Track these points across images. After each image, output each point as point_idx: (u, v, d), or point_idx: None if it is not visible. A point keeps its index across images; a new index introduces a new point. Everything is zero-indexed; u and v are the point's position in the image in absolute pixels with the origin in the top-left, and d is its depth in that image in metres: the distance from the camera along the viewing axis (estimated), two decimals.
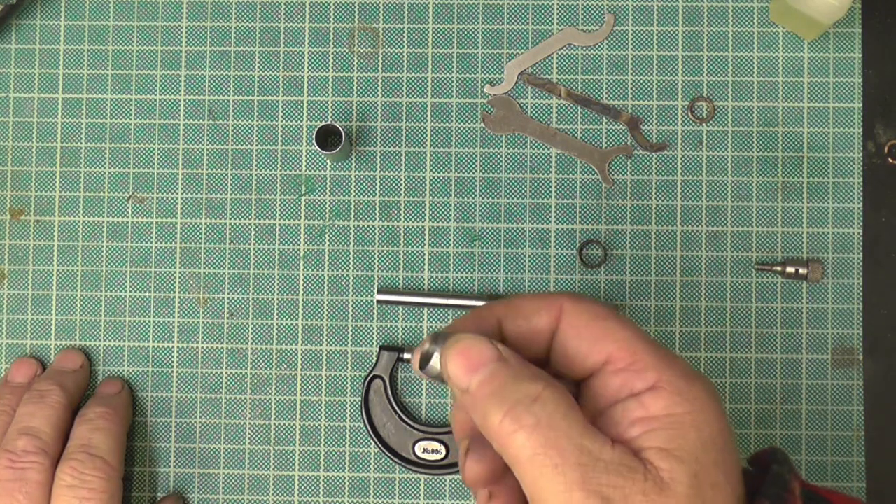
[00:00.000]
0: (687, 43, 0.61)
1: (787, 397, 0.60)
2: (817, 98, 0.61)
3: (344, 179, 0.62)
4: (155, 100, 0.62)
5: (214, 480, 0.61)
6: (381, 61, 0.62)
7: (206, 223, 0.62)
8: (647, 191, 0.61)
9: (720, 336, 0.60)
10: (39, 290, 0.62)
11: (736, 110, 0.61)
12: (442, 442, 0.59)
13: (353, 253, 0.61)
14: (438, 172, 0.61)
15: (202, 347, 0.61)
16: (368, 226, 0.61)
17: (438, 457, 0.59)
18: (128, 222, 0.62)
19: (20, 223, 0.62)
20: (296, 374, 0.61)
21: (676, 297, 0.60)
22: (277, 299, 0.61)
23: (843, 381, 0.60)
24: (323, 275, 0.61)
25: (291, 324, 0.61)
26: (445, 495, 0.60)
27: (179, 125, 0.62)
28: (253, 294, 0.61)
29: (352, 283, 0.61)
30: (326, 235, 0.61)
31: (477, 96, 0.62)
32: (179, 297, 0.61)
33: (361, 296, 0.61)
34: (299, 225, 0.61)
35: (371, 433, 0.60)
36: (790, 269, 0.60)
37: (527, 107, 0.61)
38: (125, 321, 0.61)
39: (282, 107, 0.62)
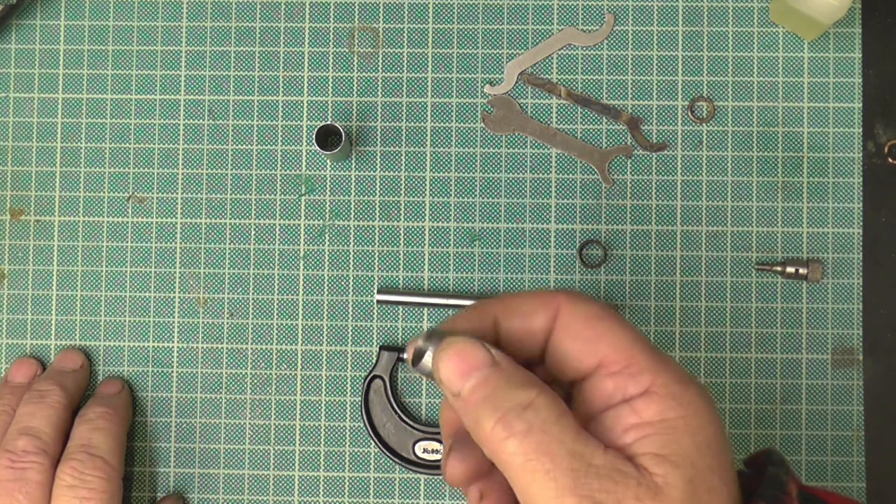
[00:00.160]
0: (687, 43, 0.61)
1: (787, 397, 0.60)
2: (817, 98, 0.61)
3: (344, 179, 0.62)
4: (155, 100, 0.62)
5: (214, 480, 0.61)
6: (381, 61, 0.62)
7: (206, 223, 0.62)
8: (647, 191, 0.61)
9: (720, 336, 0.60)
10: (39, 290, 0.62)
11: (736, 110, 0.61)
12: (442, 442, 0.59)
13: (353, 253, 0.61)
14: (438, 172, 0.61)
15: (202, 347, 0.61)
16: (368, 226, 0.61)
17: (438, 457, 0.59)
18: (128, 222, 0.62)
19: (20, 223, 0.62)
20: (296, 374, 0.61)
21: (676, 297, 0.60)
22: (277, 299, 0.61)
23: (843, 381, 0.60)
24: (323, 275, 0.61)
25: (291, 324, 0.61)
26: (445, 495, 0.60)
27: (179, 125, 0.62)
28: (253, 294, 0.61)
29: (352, 283, 0.61)
30: (326, 235, 0.61)
31: (477, 96, 0.62)
32: (179, 297, 0.61)
33: (361, 296, 0.61)
34: (299, 225, 0.61)
35: (371, 433, 0.60)
36: (790, 269, 0.60)
37: (527, 107, 0.61)
38: (125, 321, 0.61)
39: (282, 107, 0.62)
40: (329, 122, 0.58)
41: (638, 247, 0.61)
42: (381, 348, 0.60)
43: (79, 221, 0.62)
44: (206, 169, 0.62)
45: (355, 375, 0.61)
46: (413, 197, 0.61)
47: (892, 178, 0.61)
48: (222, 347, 0.61)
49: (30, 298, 0.62)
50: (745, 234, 0.61)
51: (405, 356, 0.60)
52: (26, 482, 0.53)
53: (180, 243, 0.62)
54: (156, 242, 0.62)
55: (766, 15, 0.61)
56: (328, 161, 0.61)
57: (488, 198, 0.61)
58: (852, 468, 0.60)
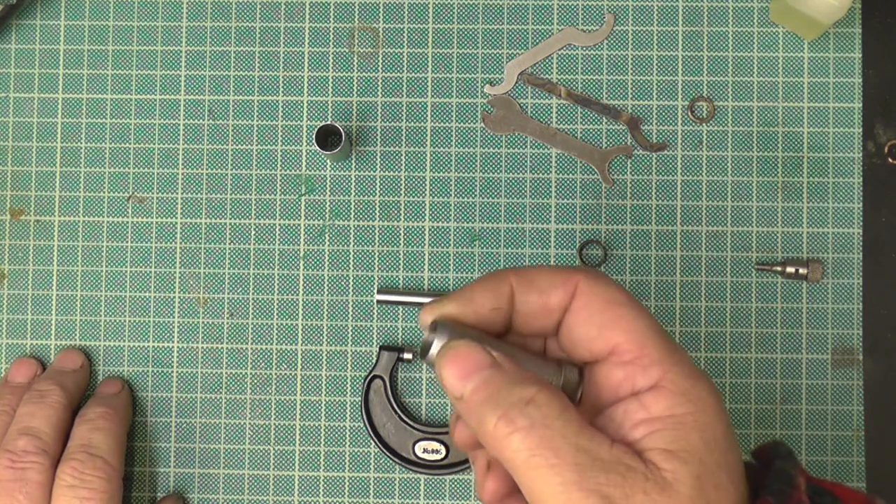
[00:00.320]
0: (687, 43, 0.61)
1: (787, 397, 0.60)
2: (817, 98, 0.61)
3: (344, 179, 0.62)
4: (155, 100, 0.62)
5: (214, 480, 0.61)
6: (381, 61, 0.62)
7: (206, 223, 0.62)
8: (647, 191, 0.61)
9: (720, 336, 0.60)
10: (39, 290, 0.62)
11: (736, 110, 0.61)
12: (442, 442, 0.59)
13: (353, 253, 0.61)
14: (438, 172, 0.61)
15: (202, 347, 0.61)
16: (368, 226, 0.61)
17: (438, 457, 0.59)
18: (128, 222, 0.62)
19: (20, 223, 0.62)
20: (296, 374, 0.61)
21: (676, 297, 0.60)
22: (277, 299, 0.61)
23: (843, 381, 0.60)
24: (323, 275, 0.61)
25: (291, 324, 0.61)
26: (445, 495, 0.60)
27: (179, 125, 0.62)
28: (253, 294, 0.61)
29: (352, 283, 0.61)
30: (326, 235, 0.61)
31: (477, 96, 0.62)
32: (179, 297, 0.61)
33: (361, 296, 0.61)
34: (299, 225, 0.61)
35: (371, 433, 0.60)
36: (790, 269, 0.60)
37: (527, 107, 0.61)
38: (125, 321, 0.61)
39: (282, 107, 0.62)
40: (329, 122, 0.58)
41: (638, 247, 0.61)
42: (381, 348, 0.60)
43: (79, 221, 0.62)
44: (206, 169, 0.62)
45: (355, 375, 0.61)
46: (413, 197, 0.61)
47: (892, 178, 0.61)
48: (222, 347, 0.61)
49: (30, 298, 0.62)
50: (745, 234, 0.61)
51: (410, 358, 0.60)
52: (26, 482, 0.53)
53: (180, 243, 0.62)
54: (156, 242, 0.62)
55: (766, 15, 0.61)
56: (328, 161, 0.61)
57: (488, 198, 0.61)
58: (852, 468, 0.60)
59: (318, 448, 0.60)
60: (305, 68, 0.62)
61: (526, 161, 0.61)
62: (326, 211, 0.61)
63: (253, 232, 0.61)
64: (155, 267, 0.61)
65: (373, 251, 0.61)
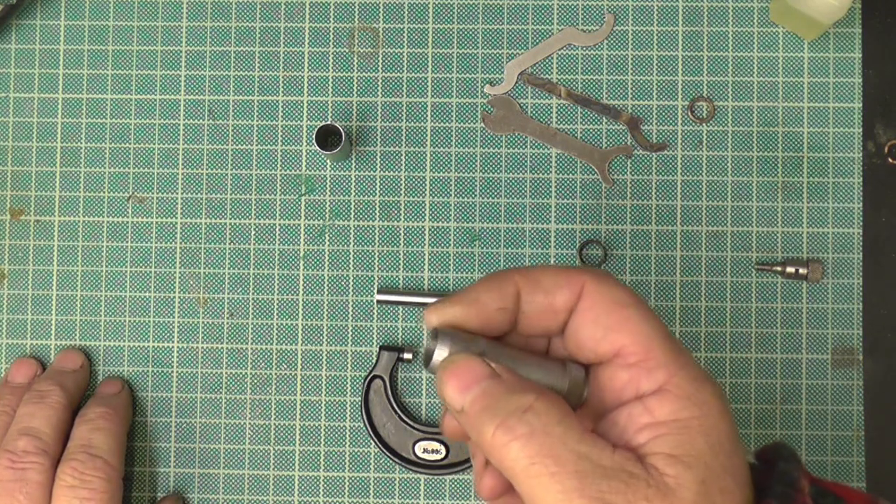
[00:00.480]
0: (687, 43, 0.61)
1: (787, 397, 0.60)
2: (817, 98, 0.61)
3: (344, 179, 0.62)
4: (155, 100, 0.62)
5: (214, 480, 0.61)
6: (381, 61, 0.62)
7: (206, 223, 0.62)
8: (647, 191, 0.61)
9: (720, 336, 0.60)
10: (39, 290, 0.62)
11: (736, 110, 0.61)
12: (442, 442, 0.59)
13: (353, 253, 0.61)
14: (438, 172, 0.61)
15: (202, 347, 0.61)
16: (368, 226, 0.61)
17: (438, 457, 0.59)
18: (128, 222, 0.62)
19: (20, 223, 0.62)
20: (296, 374, 0.61)
21: (676, 297, 0.60)
22: (277, 299, 0.61)
23: (843, 381, 0.60)
24: (323, 275, 0.61)
25: (291, 324, 0.61)
26: (445, 495, 0.60)
27: (179, 125, 0.62)
28: (253, 294, 0.61)
29: (352, 283, 0.61)
30: (326, 235, 0.61)
31: (477, 96, 0.62)
32: (179, 297, 0.61)
33: (361, 296, 0.61)
34: (299, 225, 0.61)
35: (371, 433, 0.60)
36: (790, 269, 0.60)
37: (527, 107, 0.61)
38: (125, 321, 0.61)
39: (282, 107, 0.62)
40: (329, 122, 0.58)
41: (638, 247, 0.61)
42: (381, 348, 0.60)
43: (79, 221, 0.62)
44: (206, 169, 0.62)
45: (355, 375, 0.61)
46: (413, 197, 0.61)
47: (892, 178, 0.61)
48: (222, 347, 0.61)
49: (30, 298, 0.62)
50: (745, 234, 0.61)
51: (410, 359, 0.60)
52: (26, 482, 0.53)
53: (180, 243, 0.62)
54: (156, 242, 0.62)
55: (766, 15, 0.61)
56: (328, 161, 0.61)
57: (488, 198, 0.61)
58: (852, 468, 0.60)
59: (318, 448, 0.61)
60: (305, 68, 0.62)
61: (526, 161, 0.61)
62: (326, 211, 0.61)
63: (253, 232, 0.61)
64: (155, 267, 0.61)
65: (373, 251, 0.61)
